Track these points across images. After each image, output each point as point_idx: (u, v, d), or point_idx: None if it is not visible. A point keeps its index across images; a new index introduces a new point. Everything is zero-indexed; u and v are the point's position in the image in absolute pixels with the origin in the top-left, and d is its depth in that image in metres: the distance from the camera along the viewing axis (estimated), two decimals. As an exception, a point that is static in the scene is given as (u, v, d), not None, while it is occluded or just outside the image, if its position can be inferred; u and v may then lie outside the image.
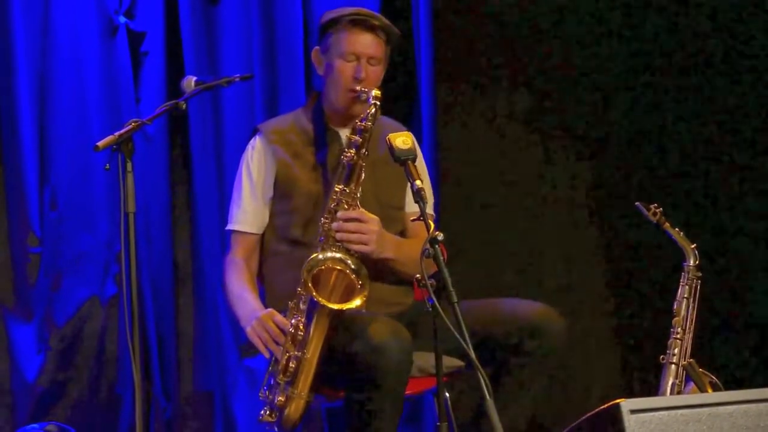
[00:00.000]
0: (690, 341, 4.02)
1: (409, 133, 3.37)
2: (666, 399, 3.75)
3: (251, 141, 3.80)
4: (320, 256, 3.51)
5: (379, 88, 3.65)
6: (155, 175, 4.76)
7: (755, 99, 5.30)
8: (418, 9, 5.00)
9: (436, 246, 3.09)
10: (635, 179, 5.31)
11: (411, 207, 3.74)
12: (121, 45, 4.73)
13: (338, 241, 3.53)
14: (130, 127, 3.44)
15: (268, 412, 3.47)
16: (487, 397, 2.95)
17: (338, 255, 3.51)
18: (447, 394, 3.51)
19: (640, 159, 5.34)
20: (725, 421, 3.05)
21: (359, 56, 3.66)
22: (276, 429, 3.47)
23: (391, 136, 3.32)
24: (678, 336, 4.02)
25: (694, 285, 4.08)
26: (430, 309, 3.04)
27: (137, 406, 3.40)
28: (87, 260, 4.70)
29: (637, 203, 4.11)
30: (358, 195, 3.58)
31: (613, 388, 5.20)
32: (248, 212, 3.75)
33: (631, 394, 5.14)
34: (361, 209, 3.57)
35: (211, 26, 4.85)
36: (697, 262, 4.10)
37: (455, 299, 3.03)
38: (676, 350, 4.00)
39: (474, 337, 3.04)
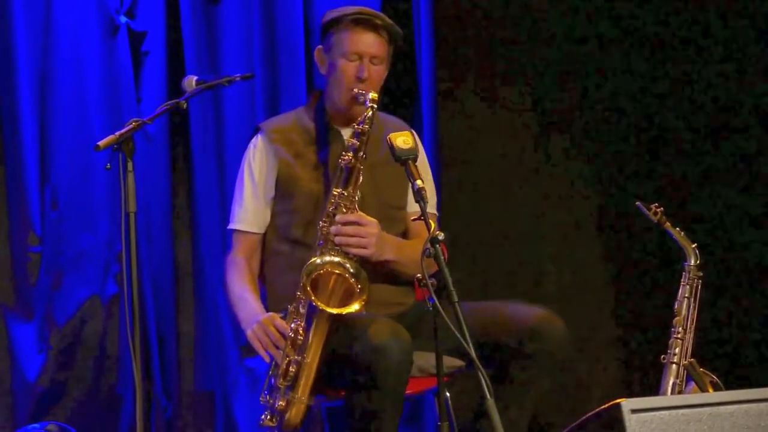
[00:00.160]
0: (691, 341, 4.02)
1: (411, 132, 3.35)
2: (667, 399, 3.75)
3: (253, 140, 3.79)
4: (319, 260, 3.49)
5: (382, 89, 3.65)
6: (156, 174, 4.75)
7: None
8: (419, 9, 5.00)
9: (437, 245, 3.09)
10: (636, 179, 5.31)
11: (413, 207, 3.72)
12: (122, 44, 4.72)
13: (337, 245, 3.52)
14: (131, 126, 3.44)
15: (268, 416, 3.45)
16: (488, 396, 2.95)
17: (337, 259, 3.49)
18: (447, 394, 3.50)
19: (641, 159, 5.34)
20: (726, 421, 3.05)
21: (362, 56, 3.65)
22: (277, 433, 3.48)
23: (391, 135, 3.30)
24: (679, 336, 4.01)
25: (694, 284, 4.08)
26: (431, 309, 3.04)
27: (138, 405, 3.39)
28: (87, 260, 4.69)
29: (637, 203, 4.10)
30: (357, 198, 3.56)
31: (613, 388, 5.20)
32: (250, 211, 3.74)
33: (631, 393, 5.14)
34: (360, 212, 3.55)
35: (211, 26, 4.84)
36: (697, 262, 4.10)
37: (456, 299, 3.03)
38: (676, 350, 3.99)
39: (474, 340, 3.03)
